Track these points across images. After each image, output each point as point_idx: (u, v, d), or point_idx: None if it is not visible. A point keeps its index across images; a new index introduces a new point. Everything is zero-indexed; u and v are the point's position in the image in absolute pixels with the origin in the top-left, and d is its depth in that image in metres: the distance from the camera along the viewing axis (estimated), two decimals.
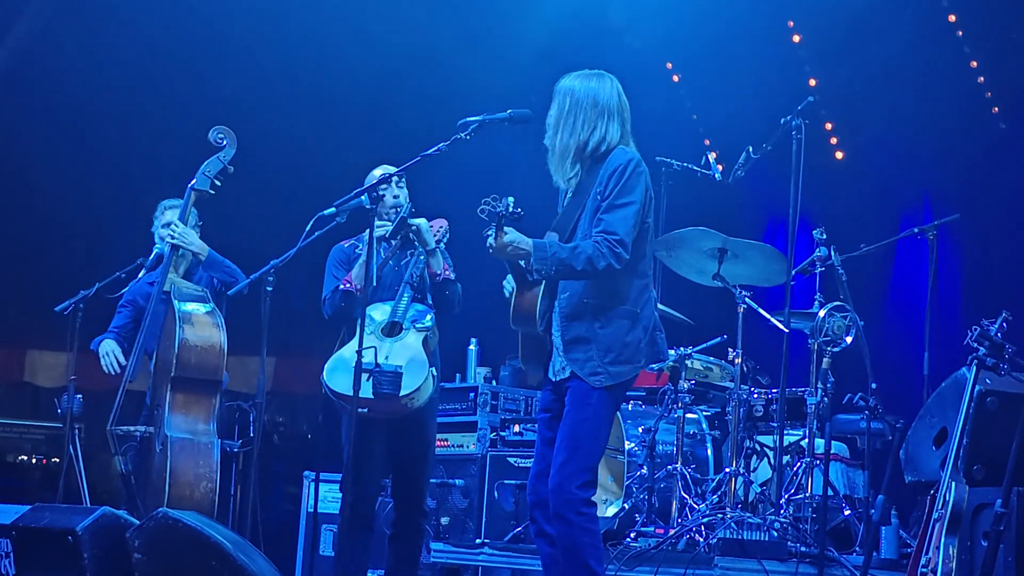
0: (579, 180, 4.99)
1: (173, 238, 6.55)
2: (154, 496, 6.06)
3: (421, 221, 5.93)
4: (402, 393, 5.58)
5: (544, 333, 4.97)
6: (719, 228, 6.66)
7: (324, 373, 5.71)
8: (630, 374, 4.90)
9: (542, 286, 4.94)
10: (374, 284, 5.54)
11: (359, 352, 5.22)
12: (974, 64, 9.35)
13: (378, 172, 6.07)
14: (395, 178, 5.93)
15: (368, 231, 5.52)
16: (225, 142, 6.57)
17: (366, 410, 5.40)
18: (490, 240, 4.77)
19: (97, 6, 9.51)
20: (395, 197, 5.96)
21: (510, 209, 4.72)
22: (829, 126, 10.03)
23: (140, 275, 6.95)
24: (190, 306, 6.39)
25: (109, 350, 6.84)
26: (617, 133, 4.98)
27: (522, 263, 4.87)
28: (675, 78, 10.81)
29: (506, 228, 4.75)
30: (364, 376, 5.33)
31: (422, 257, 5.95)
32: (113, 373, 6.79)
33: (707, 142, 10.38)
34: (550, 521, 4.83)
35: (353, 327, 5.80)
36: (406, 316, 5.82)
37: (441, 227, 6.01)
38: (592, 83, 5.01)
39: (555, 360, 4.96)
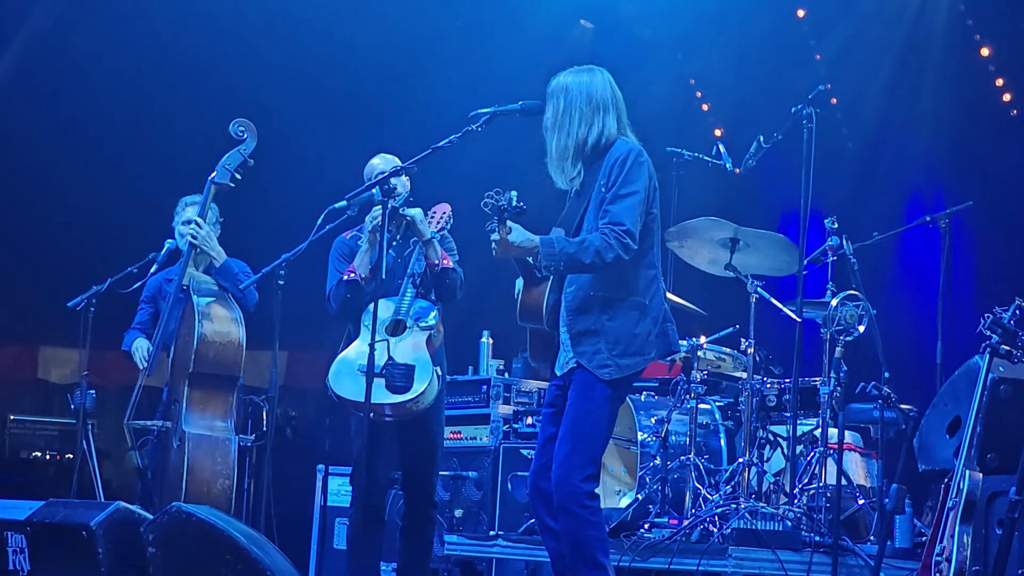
0: (582, 177, 4.95)
1: (195, 238, 6.47)
2: (171, 492, 6.06)
3: (416, 211, 5.82)
4: (408, 397, 5.55)
5: (551, 329, 4.95)
6: (730, 218, 6.63)
7: (329, 376, 5.66)
8: (639, 367, 4.86)
9: (549, 282, 4.92)
10: (383, 277, 5.48)
11: (371, 343, 5.16)
12: (985, 52, 9.33)
13: (376, 161, 6.00)
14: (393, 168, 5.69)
15: (381, 221, 5.45)
16: (246, 135, 6.50)
17: (371, 415, 5.38)
18: (494, 236, 4.71)
19: (109, 1, 9.53)
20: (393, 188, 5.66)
21: (513, 203, 4.65)
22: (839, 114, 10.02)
23: (152, 270, 6.92)
24: (208, 301, 6.36)
25: (141, 346, 6.78)
26: (614, 125, 4.94)
27: (530, 260, 4.85)
28: (685, 68, 10.79)
29: (512, 226, 4.71)
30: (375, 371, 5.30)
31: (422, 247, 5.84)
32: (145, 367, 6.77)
33: (718, 132, 10.38)
34: (554, 516, 4.81)
35: (359, 324, 5.78)
36: (409, 313, 5.75)
37: (444, 214, 5.88)
38: (584, 78, 4.97)
39: (562, 355, 4.94)
